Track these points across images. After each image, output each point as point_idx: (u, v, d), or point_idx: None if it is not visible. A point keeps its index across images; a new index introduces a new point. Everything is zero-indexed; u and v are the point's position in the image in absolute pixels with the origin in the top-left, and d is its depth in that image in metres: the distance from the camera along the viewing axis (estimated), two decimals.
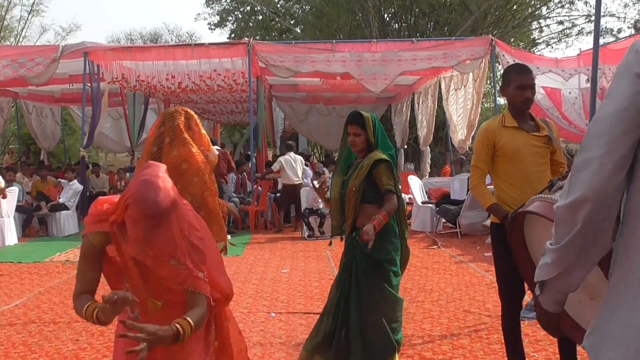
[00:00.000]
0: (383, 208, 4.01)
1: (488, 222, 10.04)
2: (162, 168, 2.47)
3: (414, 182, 13.35)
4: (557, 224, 1.64)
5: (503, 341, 4.23)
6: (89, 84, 13.64)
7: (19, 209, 12.25)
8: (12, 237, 11.51)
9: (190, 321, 2.36)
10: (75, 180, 13.70)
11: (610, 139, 1.53)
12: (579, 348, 3.80)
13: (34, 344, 5.40)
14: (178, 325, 2.31)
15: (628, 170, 1.55)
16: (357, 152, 4.26)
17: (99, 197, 2.66)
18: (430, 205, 12.53)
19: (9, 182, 12.29)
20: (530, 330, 5.37)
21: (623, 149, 1.52)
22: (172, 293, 2.49)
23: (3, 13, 30.31)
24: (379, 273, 4.09)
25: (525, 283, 3.78)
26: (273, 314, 6.23)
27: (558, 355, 4.11)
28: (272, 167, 13.58)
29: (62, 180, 14.44)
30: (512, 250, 2.55)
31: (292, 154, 13.40)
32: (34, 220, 13.15)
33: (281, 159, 13.41)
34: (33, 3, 31.01)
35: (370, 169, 4.09)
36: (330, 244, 4.59)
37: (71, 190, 13.41)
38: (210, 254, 2.61)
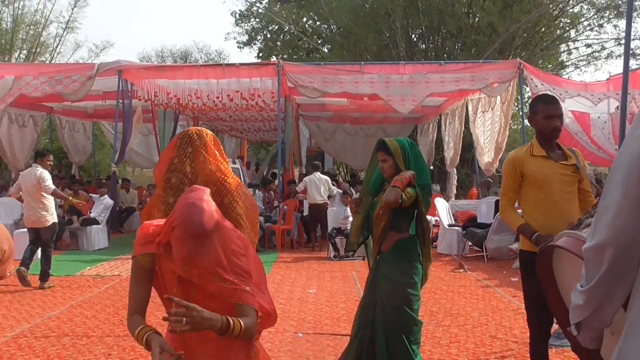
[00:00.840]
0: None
1: (514, 246, 10.08)
2: (206, 192, 2.61)
3: (441, 204, 13.37)
4: (585, 265, 1.71)
5: None
6: (121, 101, 13.92)
7: None
8: None
9: (242, 323, 2.46)
10: (107, 195, 13.92)
11: (626, 186, 1.60)
12: None
13: (68, 357, 5.54)
14: (231, 319, 2.41)
15: None
16: (388, 178, 4.37)
17: (146, 221, 2.78)
18: (456, 228, 12.53)
19: None
20: (559, 358, 5.38)
21: (638, 195, 1.58)
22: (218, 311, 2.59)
23: (40, 30, 30.98)
24: (400, 296, 4.22)
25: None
26: (300, 334, 6.30)
27: None
28: (297, 187, 13.78)
29: (94, 195, 14.68)
30: (541, 283, 2.61)
31: (318, 174, 13.53)
32: (65, 233, 13.37)
33: (306, 179, 13.58)
34: (68, 20, 31.63)
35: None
36: (364, 258, 4.78)
37: (102, 205, 13.63)
38: (254, 272, 2.72)
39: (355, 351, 4.35)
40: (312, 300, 7.97)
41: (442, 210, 13.08)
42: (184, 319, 2.27)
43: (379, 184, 4.52)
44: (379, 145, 4.38)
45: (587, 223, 2.41)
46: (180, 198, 2.65)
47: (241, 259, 2.61)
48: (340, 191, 13.29)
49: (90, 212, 13.53)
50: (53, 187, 9.06)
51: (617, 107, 11.94)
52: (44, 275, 8.94)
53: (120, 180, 17.70)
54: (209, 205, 2.54)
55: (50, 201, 9.11)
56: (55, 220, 9.21)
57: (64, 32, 31.72)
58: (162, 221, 2.67)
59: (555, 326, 4.69)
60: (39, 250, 9.16)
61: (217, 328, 2.38)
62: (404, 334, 4.18)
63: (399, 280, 4.24)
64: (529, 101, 18.10)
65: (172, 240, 2.50)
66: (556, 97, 4.34)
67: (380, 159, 4.34)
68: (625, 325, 1.68)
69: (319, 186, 13.26)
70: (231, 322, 2.42)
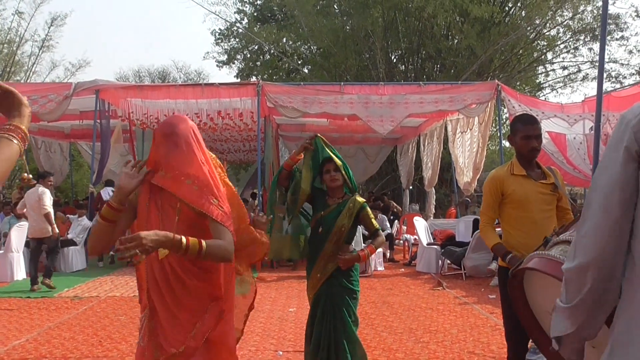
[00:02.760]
0: (373, 242, 4.51)
1: (493, 266, 10.15)
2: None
3: (420, 223, 13.45)
4: (566, 284, 1.75)
5: None
6: (99, 121, 13.84)
7: (27, 243, 12.34)
8: (20, 272, 11.62)
9: (203, 243, 2.59)
10: (85, 216, 13.80)
11: (606, 208, 1.65)
12: None
13: None
14: (185, 238, 2.54)
15: (630, 232, 1.65)
16: (337, 188, 4.53)
17: None
18: (435, 246, 12.60)
19: (19, 218, 12.44)
20: None
21: (618, 216, 1.63)
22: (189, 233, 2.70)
23: (14, 49, 30.72)
24: (353, 300, 4.49)
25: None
26: (280, 353, 6.30)
27: None
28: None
29: (71, 216, 14.54)
30: (513, 305, 2.64)
31: None
32: (42, 255, 13.20)
33: None
34: (44, 39, 31.42)
35: (358, 212, 4.48)
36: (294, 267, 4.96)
37: (80, 226, 13.50)
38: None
39: None
40: (292, 319, 7.96)
41: (421, 229, 13.15)
42: (135, 250, 2.38)
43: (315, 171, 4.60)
44: (328, 160, 4.50)
45: (555, 241, 2.45)
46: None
47: (213, 179, 2.81)
48: None
49: (67, 234, 13.40)
50: (49, 210, 10.40)
51: (592, 127, 12.11)
52: (48, 273, 10.45)
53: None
54: (189, 120, 2.89)
55: (50, 215, 10.43)
56: (56, 230, 10.58)
57: (39, 51, 31.50)
58: None
59: (531, 342, 4.73)
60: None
61: (168, 245, 2.50)
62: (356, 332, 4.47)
63: (354, 288, 4.50)
64: (507, 122, 18.33)
65: (153, 148, 2.83)
66: (535, 117, 4.41)
67: (334, 168, 4.48)
68: (609, 342, 1.70)
69: None
70: (184, 241, 2.53)
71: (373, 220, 4.56)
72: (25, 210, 11.02)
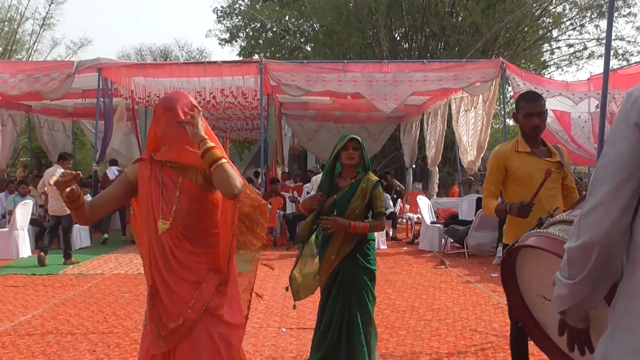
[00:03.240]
0: (371, 222, 4.41)
1: (498, 255, 10.15)
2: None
3: (423, 202, 13.45)
4: (569, 262, 1.73)
5: None
6: (102, 99, 13.81)
7: (32, 221, 12.41)
8: (25, 250, 11.69)
9: (224, 159, 2.74)
10: (89, 195, 13.82)
11: (613, 186, 1.62)
12: None
13: (53, 354, 5.54)
14: (212, 144, 2.76)
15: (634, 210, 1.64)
16: (352, 167, 4.50)
17: None
18: (438, 225, 12.62)
19: (23, 195, 12.49)
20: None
21: (626, 194, 1.61)
22: (183, 215, 2.85)
23: (15, 27, 30.55)
24: (371, 280, 4.48)
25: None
26: (284, 329, 6.35)
27: None
28: (305, 186, 13.91)
29: None
30: (502, 283, 2.64)
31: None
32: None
33: (313, 178, 13.33)
34: (45, 17, 31.21)
35: (371, 190, 4.43)
36: (294, 307, 5.21)
37: None
38: None
39: (332, 341, 4.46)
40: None
41: (424, 207, 13.15)
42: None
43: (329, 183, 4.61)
44: (350, 139, 4.48)
45: (551, 222, 2.43)
46: None
47: (217, 145, 2.86)
48: None
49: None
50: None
51: (597, 106, 12.05)
52: (67, 256, 10.94)
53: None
54: (190, 96, 2.98)
55: None
56: None
57: (40, 29, 31.28)
58: None
59: None
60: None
61: (198, 136, 2.77)
62: (372, 313, 4.47)
63: (372, 268, 4.49)
64: (511, 100, 18.24)
65: (156, 123, 2.93)
66: (539, 94, 4.35)
67: (353, 146, 4.45)
68: (610, 321, 1.70)
69: None
70: (211, 144, 2.76)
71: (381, 203, 4.46)
72: (45, 189, 11.35)
